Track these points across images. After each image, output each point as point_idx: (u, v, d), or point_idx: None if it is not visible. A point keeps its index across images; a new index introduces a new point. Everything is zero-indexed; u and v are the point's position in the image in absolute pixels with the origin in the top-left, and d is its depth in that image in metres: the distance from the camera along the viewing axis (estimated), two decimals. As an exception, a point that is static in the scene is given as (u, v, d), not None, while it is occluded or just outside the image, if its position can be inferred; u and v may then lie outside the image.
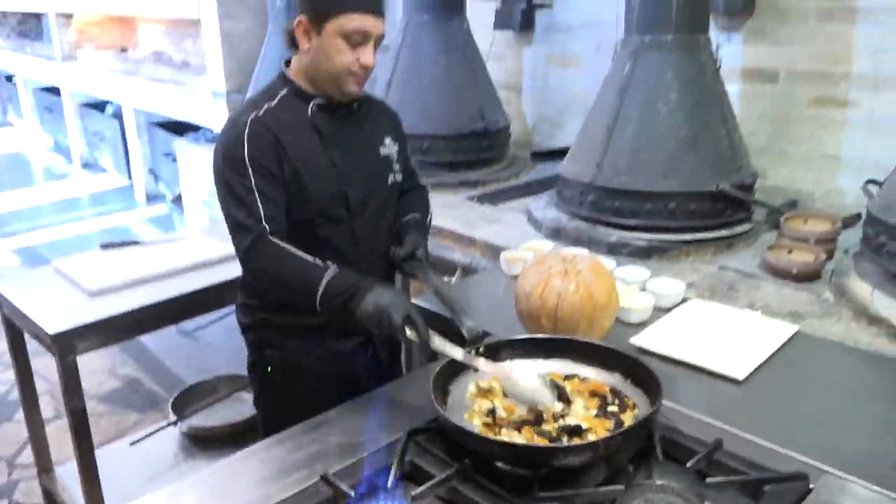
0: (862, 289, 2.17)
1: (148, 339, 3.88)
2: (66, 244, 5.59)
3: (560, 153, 3.15)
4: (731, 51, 3.15)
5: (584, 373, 1.51)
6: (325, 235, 1.73)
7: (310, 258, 1.62)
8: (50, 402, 3.23)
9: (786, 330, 1.84)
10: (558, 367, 1.54)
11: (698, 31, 2.68)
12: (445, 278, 2.88)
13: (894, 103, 2.79)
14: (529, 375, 1.42)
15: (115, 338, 2.18)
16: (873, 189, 2.36)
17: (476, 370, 1.49)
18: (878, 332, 1.99)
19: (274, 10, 4.49)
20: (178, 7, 5.44)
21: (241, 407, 2.79)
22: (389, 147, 1.84)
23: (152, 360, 3.75)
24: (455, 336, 1.56)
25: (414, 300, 2.13)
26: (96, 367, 3.60)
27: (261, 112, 1.67)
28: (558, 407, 1.40)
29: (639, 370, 1.43)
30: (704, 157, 2.60)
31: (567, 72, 3.97)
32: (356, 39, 1.61)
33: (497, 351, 1.53)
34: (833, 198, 3.01)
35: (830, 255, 2.46)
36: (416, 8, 3.59)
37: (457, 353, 1.47)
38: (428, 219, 1.94)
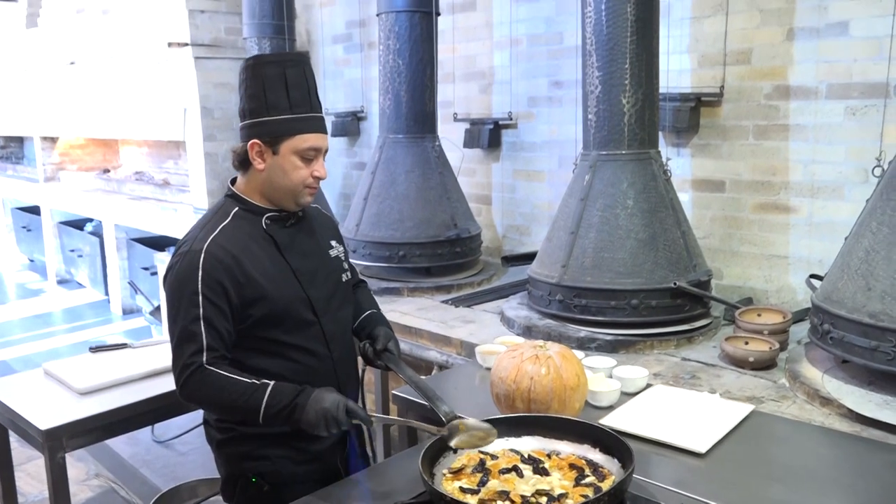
0: (813, 374, 2.34)
1: (122, 448, 3.85)
2: (40, 357, 5.56)
3: (529, 257, 3.36)
4: (681, 163, 3.46)
5: (558, 447, 1.63)
6: (298, 342, 1.79)
7: (246, 379, 1.66)
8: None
9: (742, 409, 1.98)
10: (533, 443, 1.65)
11: (649, 146, 2.96)
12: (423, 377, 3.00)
13: (829, 208, 3.08)
14: (469, 422, 1.61)
15: (104, 434, 2.23)
16: (816, 283, 2.57)
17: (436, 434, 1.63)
18: (830, 412, 2.14)
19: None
20: (165, 130, 5.74)
21: (221, 510, 2.78)
22: (336, 248, 1.97)
23: (127, 470, 3.70)
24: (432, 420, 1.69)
25: (395, 392, 2.25)
26: (70, 477, 3.55)
27: (216, 233, 1.73)
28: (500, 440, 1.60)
29: (608, 439, 1.55)
30: (662, 256, 2.82)
31: (532, 184, 4.26)
32: (309, 155, 1.76)
33: None
34: (785, 294, 3.23)
35: (784, 346, 2.65)
36: (391, 129, 3.88)
37: (398, 420, 1.77)
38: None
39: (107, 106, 6.47)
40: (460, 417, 1.73)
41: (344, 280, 1.95)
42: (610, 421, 1.89)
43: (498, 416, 1.73)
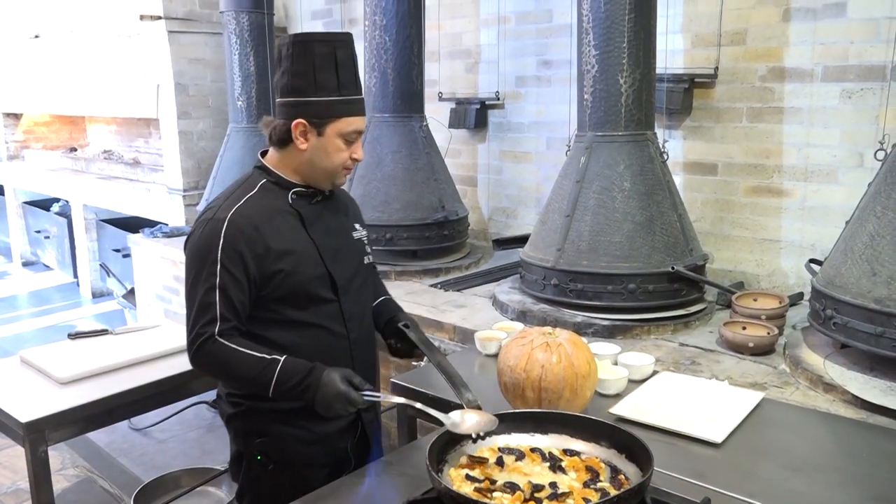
0: (815, 359, 2.32)
1: (99, 437, 3.72)
2: (7, 342, 5.37)
3: (521, 240, 3.30)
4: (674, 146, 3.40)
5: (578, 447, 1.56)
6: (317, 320, 1.77)
7: (256, 353, 1.66)
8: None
9: (753, 397, 1.94)
10: (558, 442, 1.58)
11: (645, 127, 2.91)
12: (414, 362, 2.93)
13: (823, 192, 3.06)
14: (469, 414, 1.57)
15: (88, 426, 2.12)
16: (815, 268, 2.55)
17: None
18: (834, 398, 2.12)
19: (235, 112, 4.62)
20: (137, 107, 5.54)
21: (206, 500, 2.70)
22: (360, 232, 1.95)
23: (104, 459, 3.58)
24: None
25: (393, 380, 2.17)
26: (44, 469, 3.43)
27: (241, 202, 1.72)
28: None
29: (634, 446, 1.47)
30: (659, 240, 2.78)
31: (519, 166, 4.19)
32: (352, 138, 1.76)
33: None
34: (777, 279, 3.22)
35: (781, 330, 2.62)
36: (378, 108, 3.77)
37: (398, 399, 1.72)
38: None
39: (74, 81, 6.22)
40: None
41: (366, 262, 1.93)
42: (621, 410, 1.85)
43: (523, 411, 1.67)
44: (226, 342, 1.65)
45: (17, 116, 7.69)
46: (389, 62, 3.69)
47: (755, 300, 2.76)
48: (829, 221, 3.03)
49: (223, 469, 2.82)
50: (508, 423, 1.61)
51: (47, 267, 7.66)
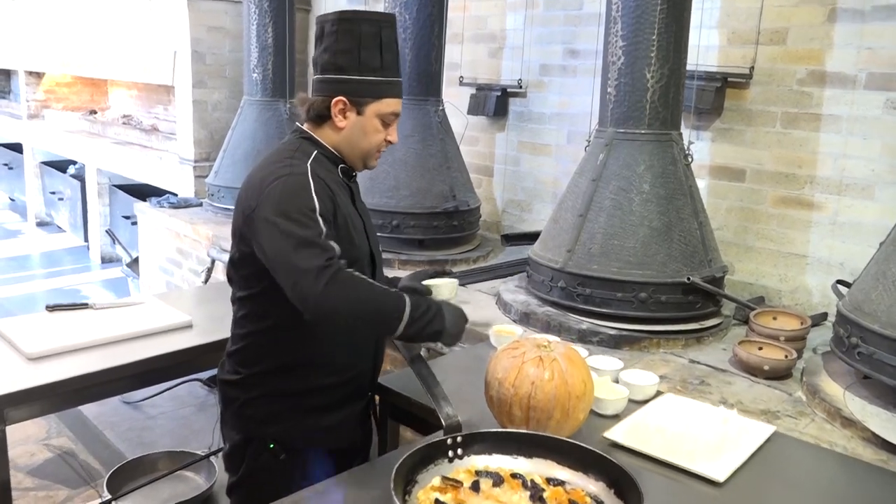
0: (834, 389, 2.14)
1: (88, 408, 3.65)
2: (12, 303, 5.33)
3: (531, 237, 3.14)
4: (700, 148, 3.22)
5: (564, 476, 1.42)
6: None
7: (378, 284, 1.64)
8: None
9: (763, 430, 1.77)
10: (538, 467, 1.44)
11: (671, 127, 2.73)
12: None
13: (857, 208, 2.86)
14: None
15: (51, 407, 2.02)
16: (843, 289, 2.37)
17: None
18: (852, 434, 1.95)
19: (250, 84, 4.49)
20: (153, 73, 5.44)
21: (184, 486, 2.59)
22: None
23: (90, 431, 3.50)
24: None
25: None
26: (29, 435, 3.36)
27: (308, 162, 1.68)
28: None
29: (624, 482, 1.32)
30: (676, 248, 2.61)
31: (537, 158, 4.02)
32: (389, 120, 1.74)
33: (477, 442, 1.46)
34: (800, 296, 3.03)
35: (800, 354, 2.45)
36: (394, 87, 3.62)
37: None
38: None
39: (94, 43, 6.14)
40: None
41: (380, 248, 1.95)
42: (617, 435, 1.69)
43: (510, 431, 1.54)
44: (353, 271, 1.58)
45: (38, 76, 7.64)
46: (408, 41, 3.53)
47: (774, 318, 2.59)
48: (861, 240, 2.83)
49: (203, 454, 2.71)
50: (490, 442, 1.48)
51: (60, 228, 7.64)
